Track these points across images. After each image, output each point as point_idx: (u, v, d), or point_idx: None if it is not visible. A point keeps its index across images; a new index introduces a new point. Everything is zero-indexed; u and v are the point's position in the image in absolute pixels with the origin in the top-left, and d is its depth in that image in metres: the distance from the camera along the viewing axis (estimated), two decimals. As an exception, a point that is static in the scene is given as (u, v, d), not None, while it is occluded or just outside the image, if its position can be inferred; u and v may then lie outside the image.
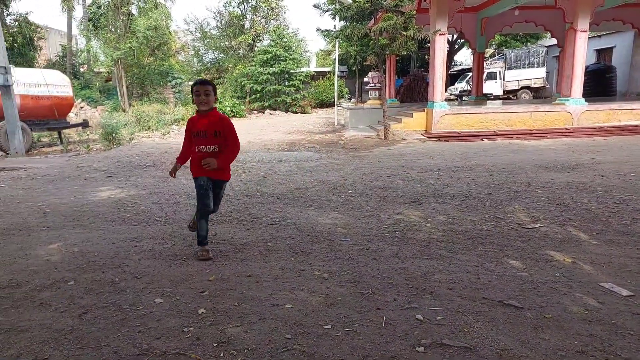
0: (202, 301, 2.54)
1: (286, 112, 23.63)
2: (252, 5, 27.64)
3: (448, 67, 20.92)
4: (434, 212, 4.32)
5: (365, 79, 21.69)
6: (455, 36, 21.71)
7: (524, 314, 2.31)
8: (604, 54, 21.19)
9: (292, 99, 23.93)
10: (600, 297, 2.48)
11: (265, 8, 27.71)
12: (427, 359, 1.94)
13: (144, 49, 20.90)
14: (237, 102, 22.03)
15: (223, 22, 28.43)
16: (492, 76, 23.82)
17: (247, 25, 27.86)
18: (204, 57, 29.45)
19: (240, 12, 27.80)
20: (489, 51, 29.70)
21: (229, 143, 3.20)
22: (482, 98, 17.68)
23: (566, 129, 10.48)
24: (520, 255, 3.15)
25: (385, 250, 3.30)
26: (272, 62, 23.45)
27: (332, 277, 2.84)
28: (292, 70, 23.89)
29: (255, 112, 23.52)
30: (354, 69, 24.29)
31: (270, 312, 2.39)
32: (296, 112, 23.71)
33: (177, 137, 13.17)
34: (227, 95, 22.58)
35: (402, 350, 2.01)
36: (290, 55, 23.84)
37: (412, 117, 11.45)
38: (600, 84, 17.60)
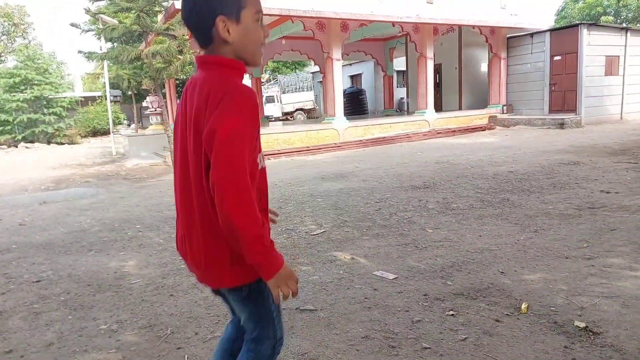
0: None
1: (49, 144, 20.12)
2: (-15, 18, 22.74)
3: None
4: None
5: (144, 104, 20.40)
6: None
7: (318, 315, 2.51)
8: (355, 78, 25.53)
9: (55, 129, 20.54)
10: (375, 284, 2.90)
11: (6, 24, 23.17)
12: (235, 388, 1.88)
13: None
14: (-24, 136, 17.62)
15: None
16: (270, 99, 25.70)
17: (-19, 42, 22.72)
18: None
19: (-32, 26, 22.48)
20: (265, 76, 32.10)
21: None
22: (265, 120, 18.87)
23: (335, 144, 12.11)
24: (311, 260, 3.43)
25: (182, 284, 3.11)
26: (22, 87, 19.67)
27: (122, 327, 2.50)
28: (51, 96, 20.53)
29: (4, 146, 19.22)
30: (129, 93, 22.55)
31: (42, 391, 1.94)
32: (62, 144, 20.44)
33: None
34: (-40, 128, 17.81)
35: (208, 386, 1.91)
36: (47, 79, 20.48)
37: (199, 141, 11.30)
38: (356, 104, 21.13)
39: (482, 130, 13.74)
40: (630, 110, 14.35)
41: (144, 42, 11.79)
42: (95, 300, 2.91)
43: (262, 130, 12.35)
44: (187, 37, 10.44)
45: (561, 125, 12.28)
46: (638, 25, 16.53)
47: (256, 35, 1.24)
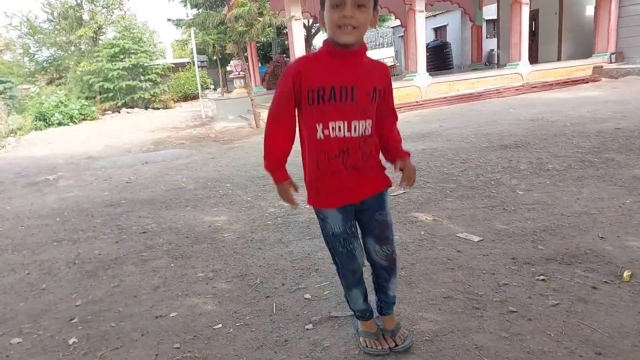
0: (71, 330, 2.25)
1: (146, 109, 21.89)
2: (88, -7, 24.73)
3: (308, 51, 21.58)
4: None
5: (228, 68, 21.19)
6: (311, 20, 22.40)
7: (399, 273, 2.53)
8: (439, 31, 24.00)
9: (151, 94, 22.22)
10: (458, 246, 2.84)
11: (105, -3, 25.06)
12: (317, 334, 2.00)
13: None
14: (86, 103, 19.64)
15: (55, 14, 24.91)
16: (349, 58, 25.26)
17: (85, 16, 24.85)
18: (36, 56, 25.53)
19: (75, 2, 24.65)
20: (344, 34, 31.44)
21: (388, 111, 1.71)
22: (343, 79, 18.62)
23: (417, 101, 11.65)
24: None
25: (269, 238, 3.30)
26: (121, 57, 21.38)
27: (217, 275, 2.75)
28: (146, 64, 22.11)
29: (109, 112, 21.29)
30: (215, 58, 23.50)
31: (154, 325, 2.22)
32: (157, 109, 22.12)
33: (15, 150, 11.29)
34: (72, 97, 19.99)
35: (294, 331, 2.05)
36: (142, 47, 22.02)
37: (280, 103, 11.56)
38: (440, 59, 19.95)
39: (585, 83, 12.28)
40: None
41: (226, 6, 12.11)
42: (193, 250, 3.21)
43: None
44: (266, -2, 10.51)
45: (686, 73, 10.56)
46: None
47: (330, 19, 1.46)
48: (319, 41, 31.49)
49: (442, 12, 21.97)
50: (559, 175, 4.06)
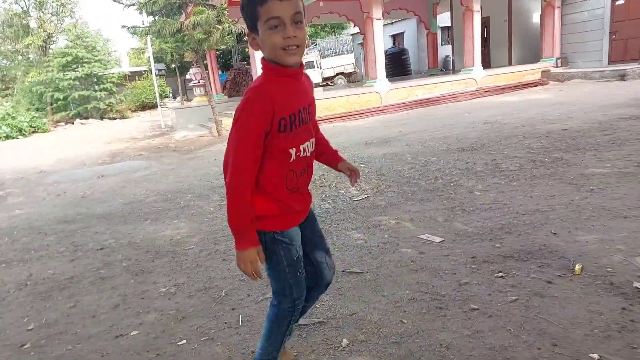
0: (22, 357, 2.12)
1: (102, 120, 21.13)
2: (35, 0, 23.66)
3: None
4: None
5: (188, 76, 20.79)
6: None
7: (365, 277, 2.56)
8: (397, 38, 24.61)
9: (107, 104, 21.48)
10: (421, 247, 2.90)
11: (54, 4, 24.04)
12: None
13: None
14: (37, 114, 18.72)
15: (-1, 21, 23.69)
16: (310, 65, 25.41)
17: (33, 24, 23.76)
18: (-22, 65, 24.15)
19: (20, 9, 23.52)
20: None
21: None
22: (304, 86, 18.72)
23: (377, 107, 11.87)
24: (355, 225, 3.46)
25: (233, 249, 3.24)
26: (74, 66, 20.57)
27: (180, 290, 2.67)
28: (100, 73, 21.37)
29: (62, 123, 20.36)
30: (173, 66, 23.03)
31: (114, 346, 2.13)
32: (114, 119, 21.40)
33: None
34: (21, 109, 19.00)
35: (262, 344, 2.02)
36: (96, 56, 21.27)
37: (241, 111, 11.47)
38: (398, 65, 20.46)
39: (534, 86, 12.94)
40: None
41: (184, 13, 11.91)
42: (154, 265, 3.11)
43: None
44: (225, 6, 10.44)
45: (622, 77, 11.31)
46: None
47: (271, 41, 1.33)
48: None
49: (399, 20, 22.56)
50: (512, 175, 4.23)
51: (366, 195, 4.23)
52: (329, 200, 4.23)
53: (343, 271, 2.65)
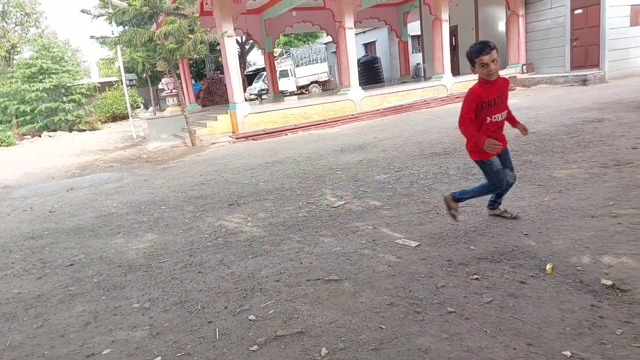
0: (-14, 383, 2.01)
1: (70, 132, 20.48)
2: (-2, 10, 22.92)
3: (243, 67, 21.47)
4: (253, 210, 4.39)
5: (160, 86, 20.50)
6: (244, 37, 22.38)
7: (343, 284, 2.55)
8: (369, 47, 24.96)
9: (75, 116, 20.84)
10: (398, 252, 2.92)
11: (18, 14, 23.32)
12: (263, 356, 1.96)
13: None
14: (1, 127, 18.01)
15: (-41, 31, 22.81)
16: (284, 74, 25.47)
17: (-4, 34, 22.99)
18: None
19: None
20: (278, 50, 31.70)
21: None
22: (280, 95, 18.75)
23: (352, 115, 11.97)
24: (333, 232, 3.46)
25: (209, 261, 3.19)
26: (40, 77, 19.93)
27: (154, 304, 2.60)
28: (69, 84, 20.77)
29: (28, 137, 19.64)
30: (144, 76, 22.64)
31: (85, 366, 2.05)
32: (83, 130, 20.79)
33: None
34: (-17, 122, 18.26)
35: (239, 355, 1.98)
36: (64, 67, 20.68)
37: (217, 120, 11.36)
38: (371, 73, 20.72)
39: (503, 92, 13.32)
40: (658, 61, 13.64)
41: (155, 23, 11.76)
42: (126, 280, 3.02)
43: (277, 107, 12.28)
44: (197, 15, 10.36)
45: (584, 81, 11.79)
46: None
47: (481, 73, 2.82)
48: (253, 57, 31.51)
49: (371, 29, 22.91)
50: (484, 179, 4.32)
51: (343, 202, 4.24)
52: (306, 208, 4.21)
53: (321, 279, 2.64)
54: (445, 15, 13.05)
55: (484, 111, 2.86)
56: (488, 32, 15.79)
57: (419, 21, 17.76)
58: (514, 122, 3.14)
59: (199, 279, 2.88)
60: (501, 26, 15.54)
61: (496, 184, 3.03)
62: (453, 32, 15.52)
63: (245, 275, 2.86)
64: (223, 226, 3.97)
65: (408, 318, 2.11)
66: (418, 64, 20.70)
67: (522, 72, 14.05)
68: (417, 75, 20.24)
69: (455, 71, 15.19)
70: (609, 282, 2.15)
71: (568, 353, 1.72)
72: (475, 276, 2.43)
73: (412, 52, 21.39)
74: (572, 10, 12.93)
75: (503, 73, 14.26)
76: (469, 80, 13.79)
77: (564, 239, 2.74)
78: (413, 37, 20.83)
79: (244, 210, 4.44)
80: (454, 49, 15.89)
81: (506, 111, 2.97)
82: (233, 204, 4.71)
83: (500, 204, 3.28)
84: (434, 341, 1.91)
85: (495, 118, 2.90)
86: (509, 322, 1.98)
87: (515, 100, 10.95)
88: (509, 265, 2.50)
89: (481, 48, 2.76)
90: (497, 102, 2.87)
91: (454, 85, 13.40)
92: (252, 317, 2.31)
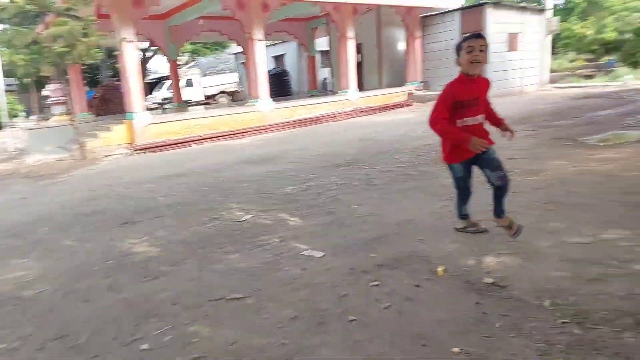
0: None
1: None
2: None
3: (144, 75, 20.26)
4: (151, 227, 4.09)
5: (45, 93, 18.49)
6: (147, 44, 21.19)
7: (246, 301, 2.46)
8: (279, 59, 25.16)
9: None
10: (303, 264, 2.90)
11: None
12: (157, 388, 1.79)
13: None
14: None
15: None
16: (190, 83, 24.57)
17: None
18: None
19: None
20: (184, 58, 30.53)
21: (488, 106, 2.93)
22: (184, 105, 18.02)
23: (261, 126, 11.89)
24: (238, 248, 3.34)
25: (97, 286, 2.88)
26: None
27: (26, 343, 2.26)
28: None
29: None
30: (27, 81, 20.20)
31: None
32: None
33: None
34: None
35: (128, 391, 1.79)
36: None
37: (111, 130, 10.52)
38: (280, 86, 20.86)
39: (401, 107, 14.26)
40: (528, 82, 15.70)
41: (41, 23, 10.63)
42: (-8, 315, 2.60)
43: (181, 117, 11.78)
44: (92, 17, 9.55)
45: (472, 98, 13.10)
46: (533, 5, 18.14)
47: (465, 60, 2.66)
48: (154, 65, 29.90)
49: (281, 42, 23.13)
50: (385, 189, 4.54)
51: (250, 216, 4.14)
52: (209, 224, 4.04)
53: (224, 298, 2.52)
54: (351, 33, 13.66)
55: (457, 111, 2.69)
56: (390, 50, 16.86)
57: (327, 37, 18.36)
58: (498, 122, 2.98)
59: (84, 308, 2.58)
60: (401, 46, 16.69)
61: (457, 190, 3.03)
62: (358, 49, 16.28)
63: (139, 300, 2.63)
64: (115, 247, 3.64)
65: (311, 330, 2.10)
66: (325, 78, 21.33)
67: (419, 89, 15.19)
68: (325, 89, 20.84)
69: (361, 87, 15.93)
70: (490, 280, 2.35)
71: (457, 349, 1.83)
72: (376, 283, 2.50)
73: (321, 67, 22.02)
74: (463, 34, 14.35)
75: (402, 90, 15.32)
76: (374, 96, 14.58)
77: (454, 243, 2.95)
78: (321, 52, 21.46)
79: (140, 228, 4.12)
80: (359, 65, 16.67)
81: (482, 115, 2.80)
82: (127, 222, 4.35)
83: (502, 212, 2.84)
84: (336, 351, 1.91)
85: (466, 122, 2.71)
86: (406, 326, 2.05)
87: (413, 114, 11.79)
88: (406, 271, 2.62)
89: (473, 34, 2.67)
90: (472, 103, 2.70)
91: (359, 100, 14.02)
92: (145, 346, 2.11)
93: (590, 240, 2.75)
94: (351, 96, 13.92)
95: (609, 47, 21.99)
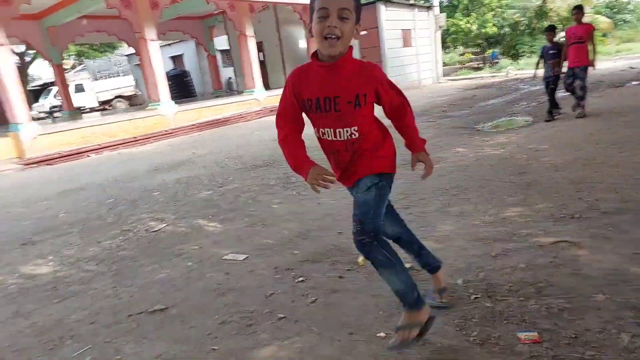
0: None
1: None
2: None
3: (25, 82, 18.08)
4: (55, 247, 3.74)
5: None
6: (23, 47, 18.98)
7: (170, 312, 2.39)
8: (177, 60, 24.10)
9: None
10: (227, 268, 2.88)
11: None
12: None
13: None
14: None
15: None
16: (81, 88, 22.53)
17: None
18: None
19: None
20: (69, 62, 27.82)
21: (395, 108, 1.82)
22: (77, 112, 16.52)
23: (166, 131, 11.35)
24: (155, 260, 3.20)
25: (0, 313, 2.59)
26: None
27: None
28: None
29: None
30: None
31: None
32: None
33: None
34: None
35: None
36: None
37: (-8, 145, 9.31)
38: (182, 87, 20.07)
39: (310, 104, 14.54)
40: (425, 76, 16.99)
41: None
42: None
43: (74, 125, 10.84)
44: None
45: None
46: (421, 2, 19.62)
47: (315, 29, 1.57)
48: (35, 70, 26.85)
49: (177, 42, 22.17)
50: (303, 186, 4.64)
51: (164, 225, 3.98)
52: (120, 237, 3.80)
53: (145, 312, 2.42)
54: (250, 32, 13.57)
55: (310, 115, 1.72)
56: (291, 49, 17.06)
57: (226, 35, 18.02)
58: (413, 145, 1.94)
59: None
60: (302, 44, 16.99)
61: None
62: (260, 47, 16.24)
63: (50, 324, 2.42)
64: (15, 271, 3.28)
65: (241, 333, 2.11)
66: (230, 78, 20.96)
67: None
68: (230, 89, 20.48)
69: (267, 85, 15.93)
70: (408, 265, 2.55)
71: (382, 334, 1.97)
72: (301, 279, 2.58)
73: (223, 66, 21.54)
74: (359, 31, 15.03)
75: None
76: (280, 94, 14.66)
77: (370, 232, 3.14)
78: (222, 51, 21.00)
79: (43, 248, 3.76)
80: (262, 64, 16.65)
81: (354, 128, 1.66)
82: (27, 243, 3.93)
83: (429, 264, 2.17)
84: (268, 350, 1.95)
85: (326, 134, 1.70)
86: (333, 317, 2.16)
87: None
88: (328, 263, 2.74)
89: None
90: (328, 106, 1.63)
91: (266, 99, 14.02)
92: (61, 374, 1.96)
93: (493, 220, 3.09)
94: (258, 95, 13.88)
95: (492, 41, 24.62)
